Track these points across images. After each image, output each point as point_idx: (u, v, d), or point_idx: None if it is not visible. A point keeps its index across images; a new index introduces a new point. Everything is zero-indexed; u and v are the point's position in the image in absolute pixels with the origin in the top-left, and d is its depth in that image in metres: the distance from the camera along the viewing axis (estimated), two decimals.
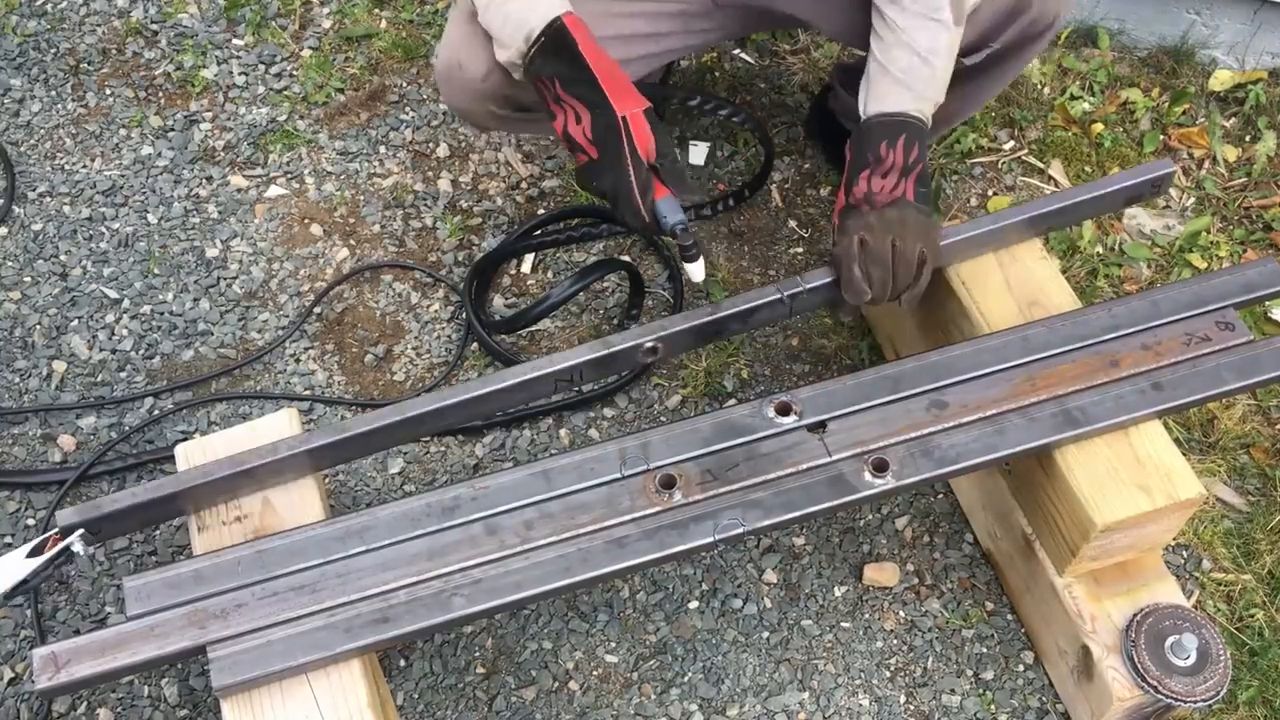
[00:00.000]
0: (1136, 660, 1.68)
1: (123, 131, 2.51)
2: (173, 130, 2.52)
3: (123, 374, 2.18)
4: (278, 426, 1.74)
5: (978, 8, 1.78)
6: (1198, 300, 1.81)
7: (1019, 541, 1.86)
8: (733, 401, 2.15)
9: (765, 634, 1.92)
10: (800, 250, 2.37)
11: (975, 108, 2.21)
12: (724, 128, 2.55)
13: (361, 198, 2.43)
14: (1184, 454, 1.72)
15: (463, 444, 2.10)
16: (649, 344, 1.73)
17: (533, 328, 2.23)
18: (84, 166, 2.46)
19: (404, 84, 2.61)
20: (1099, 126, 2.53)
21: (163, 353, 2.20)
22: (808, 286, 1.77)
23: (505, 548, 1.58)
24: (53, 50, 2.64)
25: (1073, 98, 2.59)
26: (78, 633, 1.86)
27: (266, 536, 1.60)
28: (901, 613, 1.95)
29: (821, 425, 1.68)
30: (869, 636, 1.93)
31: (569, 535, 1.59)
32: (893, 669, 1.90)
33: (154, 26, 2.69)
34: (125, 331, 2.23)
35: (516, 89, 1.79)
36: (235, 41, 2.66)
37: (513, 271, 2.32)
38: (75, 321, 2.24)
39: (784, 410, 1.69)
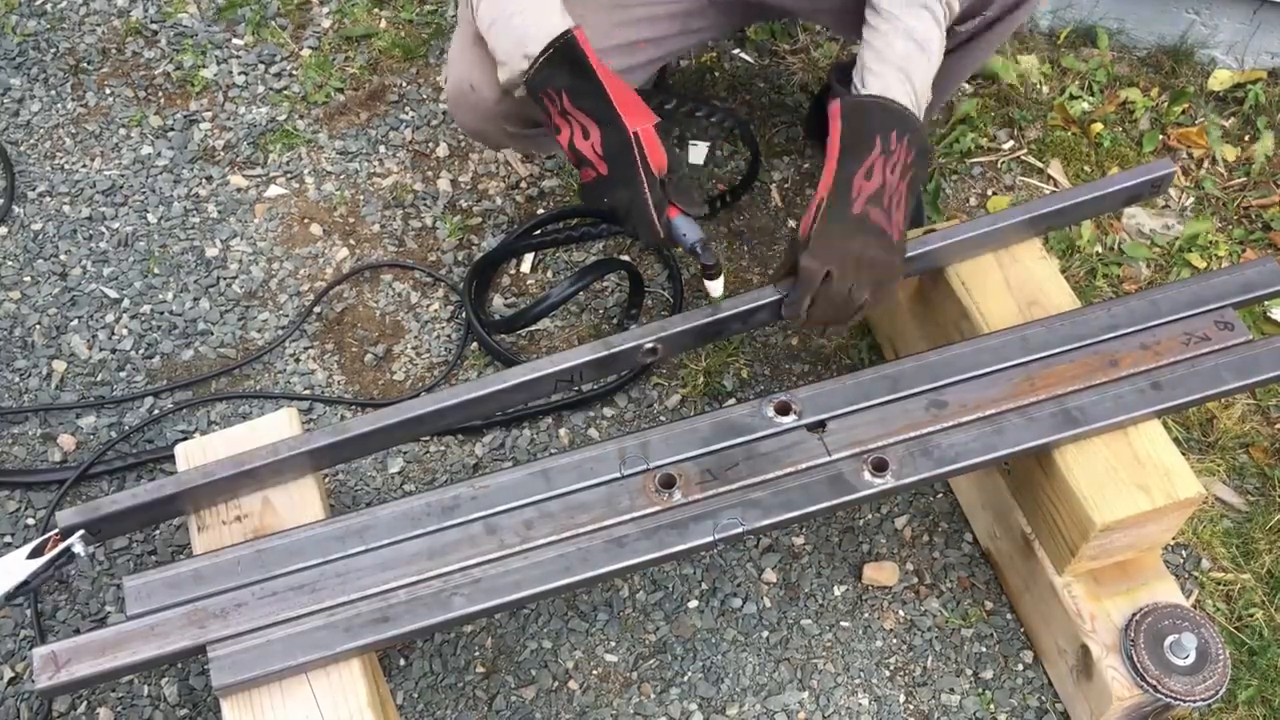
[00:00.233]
0: (1136, 659, 1.68)
1: (122, 131, 2.51)
2: (172, 130, 2.52)
3: (122, 374, 2.18)
4: (278, 426, 1.74)
5: None
6: (1197, 300, 1.81)
7: (1018, 541, 1.86)
8: (732, 401, 2.15)
9: (765, 633, 1.92)
10: None
11: (954, 87, 2.18)
12: (722, 128, 2.55)
13: (361, 197, 2.43)
14: (1183, 453, 1.72)
15: (462, 444, 2.10)
16: (649, 344, 1.73)
17: (532, 327, 2.23)
18: (84, 166, 2.46)
19: (404, 84, 2.61)
20: (1098, 126, 2.53)
21: (162, 352, 2.21)
22: None
23: (505, 547, 1.58)
24: (52, 50, 2.64)
25: (1072, 97, 2.59)
26: (78, 632, 1.86)
27: (266, 536, 1.60)
28: (901, 612, 1.95)
29: (821, 425, 1.69)
30: (868, 636, 1.93)
31: (569, 535, 1.59)
32: (892, 668, 1.90)
33: (154, 26, 2.69)
34: (125, 331, 2.23)
35: (531, 106, 1.78)
36: (235, 41, 2.67)
37: (512, 271, 2.32)
38: (75, 321, 2.24)
39: (783, 410, 1.69)
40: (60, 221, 2.38)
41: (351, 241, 2.36)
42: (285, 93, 2.58)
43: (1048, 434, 1.68)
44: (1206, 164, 2.52)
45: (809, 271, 1.64)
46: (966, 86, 2.62)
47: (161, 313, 2.25)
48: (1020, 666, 1.90)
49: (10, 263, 2.32)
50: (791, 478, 1.63)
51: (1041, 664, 1.90)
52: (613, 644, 1.91)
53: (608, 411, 2.15)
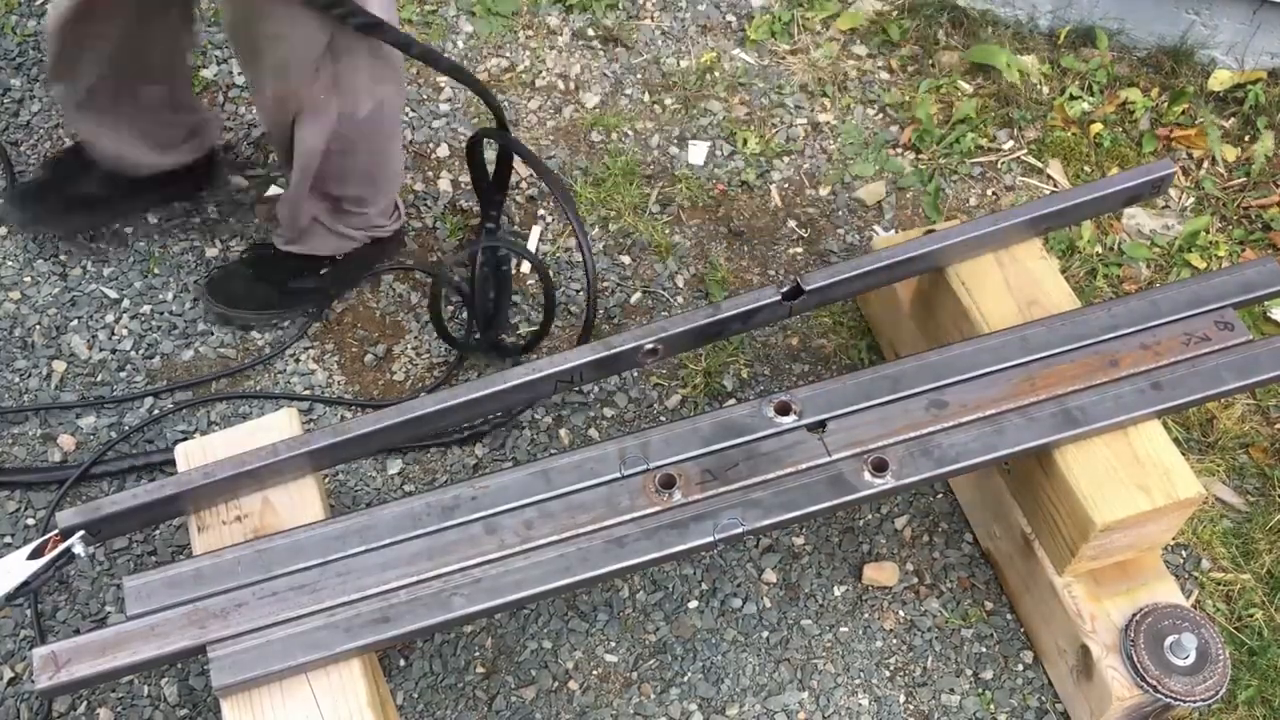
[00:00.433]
0: (1136, 660, 1.68)
1: None
2: None
3: (122, 374, 2.18)
4: (278, 426, 1.74)
5: None
6: (1197, 300, 1.81)
7: (1018, 541, 1.86)
8: (732, 401, 2.15)
9: (765, 633, 1.92)
10: (800, 250, 2.38)
11: None
12: (722, 127, 2.55)
13: None
14: (1183, 454, 1.72)
15: (462, 443, 2.10)
16: (649, 345, 1.73)
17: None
18: None
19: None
20: (1098, 126, 2.53)
21: (162, 353, 2.20)
22: (808, 288, 1.77)
23: (505, 547, 1.58)
24: None
25: (1072, 98, 2.59)
26: (78, 632, 1.86)
27: (266, 536, 1.60)
28: (901, 612, 1.95)
29: (821, 425, 1.69)
30: (868, 636, 1.93)
31: (569, 535, 1.59)
32: (892, 668, 1.90)
33: None
34: (125, 331, 2.23)
35: None
36: None
37: (513, 271, 2.32)
38: (75, 321, 2.23)
39: (783, 410, 1.69)
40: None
41: None
42: None
43: (1048, 434, 1.68)
44: (1206, 164, 2.52)
45: None
46: (966, 87, 2.62)
47: (161, 313, 2.25)
48: (1020, 667, 1.90)
49: (10, 263, 2.31)
50: (792, 478, 1.63)
51: (1041, 664, 1.90)
52: (613, 644, 1.91)
53: (608, 412, 2.15)
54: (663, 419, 2.14)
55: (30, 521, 1.99)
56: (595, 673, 1.89)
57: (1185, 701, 1.67)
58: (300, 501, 1.66)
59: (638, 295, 2.30)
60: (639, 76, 2.64)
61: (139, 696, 1.84)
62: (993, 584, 1.98)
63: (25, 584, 1.55)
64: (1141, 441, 1.71)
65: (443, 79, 2.61)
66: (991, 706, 1.87)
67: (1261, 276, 1.85)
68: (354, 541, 1.59)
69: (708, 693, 1.87)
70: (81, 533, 1.57)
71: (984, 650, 1.92)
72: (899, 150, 2.53)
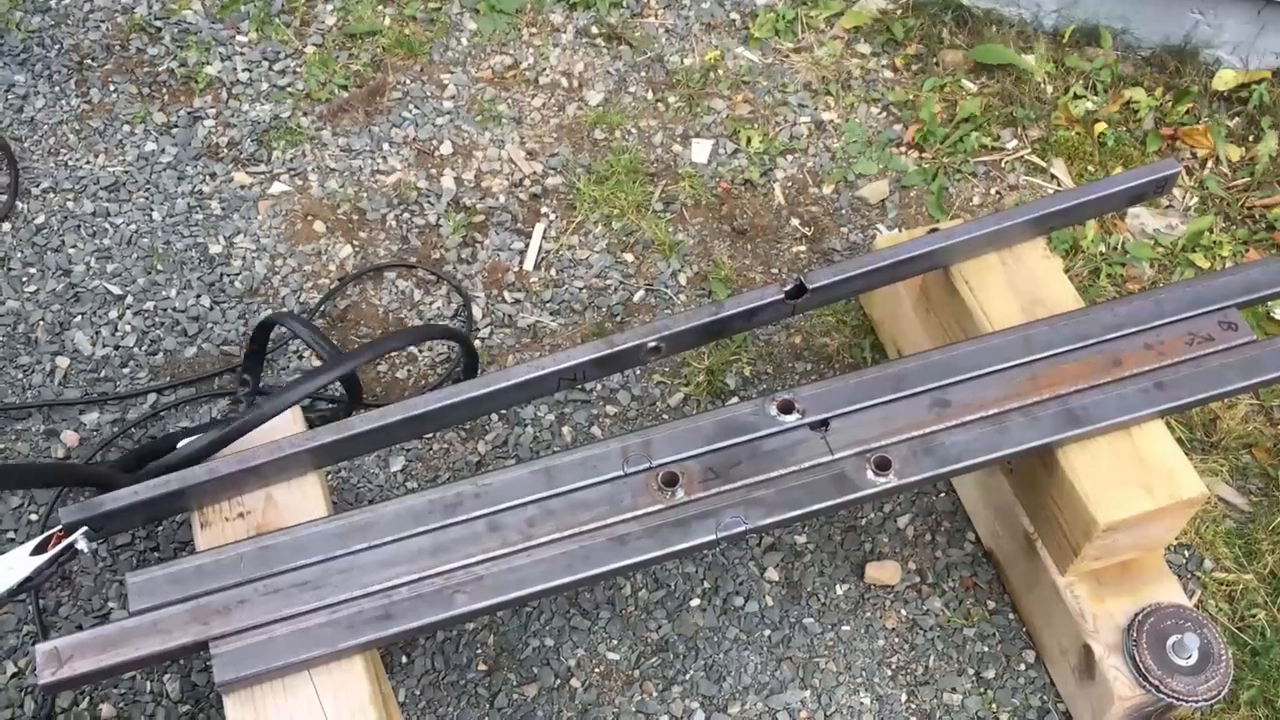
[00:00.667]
0: (1138, 660, 1.68)
1: (126, 128, 2.51)
2: (176, 126, 2.52)
3: (126, 370, 2.18)
4: (281, 423, 1.74)
5: None
6: (1200, 300, 1.81)
7: (1021, 540, 1.86)
8: (735, 400, 2.15)
9: (767, 632, 1.92)
10: (803, 249, 2.37)
11: None
12: (726, 126, 2.55)
13: (364, 195, 2.43)
14: (1186, 454, 1.72)
15: (465, 441, 2.10)
16: (652, 343, 1.73)
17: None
18: (87, 163, 2.46)
19: (407, 81, 2.61)
20: (1102, 125, 2.53)
21: (166, 349, 2.21)
22: (811, 286, 1.77)
23: (508, 545, 1.58)
24: (57, 46, 2.64)
25: (1076, 97, 2.58)
26: (80, 628, 1.87)
27: (270, 533, 1.60)
28: (903, 611, 1.95)
29: (824, 424, 1.69)
30: (870, 635, 1.93)
31: (571, 533, 1.59)
32: (894, 667, 1.90)
33: (158, 23, 2.69)
34: (128, 328, 2.23)
35: None
36: (239, 38, 2.67)
37: (515, 269, 2.32)
38: (79, 317, 2.24)
39: (786, 408, 1.69)
40: (64, 218, 2.38)
41: (355, 239, 2.36)
42: (289, 90, 2.58)
43: (1051, 433, 1.68)
44: (1210, 164, 2.52)
45: None
46: (970, 86, 2.62)
47: (165, 309, 2.25)
48: (1022, 666, 1.90)
49: (15, 258, 2.32)
50: (794, 476, 1.63)
51: (1043, 664, 1.90)
52: (615, 642, 1.91)
53: (610, 410, 2.15)
54: (665, 416, 2.14)
55: (33, 517, 2.00)
56: (597, 670, 1.89)
57: (1188, 701, 1.67)
58: (303, 498, 1.66)
59: (640, 293, 2.30)
60: (642, 74, 2.64)
61: (141, 693, 1.84)
62: (995, 583, 1.98)
63: (28, 579, 1.56)
64: (1145, 441, 1.71)
65: (447, 79, 2.61)
66: (993, 706, 1.87)
67: (1265, 276, 1.85)
68: (357, 538, 1.59)
69: (709, 691, 1.87)
70: (84, 528, 1.57)
71: (986, 650, 1.92)
72: (903, 149, 2.52)
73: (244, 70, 2.60)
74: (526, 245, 2.36)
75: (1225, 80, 2.62)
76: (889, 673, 1.90)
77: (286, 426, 1.73)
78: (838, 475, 1.64)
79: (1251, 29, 2.60)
